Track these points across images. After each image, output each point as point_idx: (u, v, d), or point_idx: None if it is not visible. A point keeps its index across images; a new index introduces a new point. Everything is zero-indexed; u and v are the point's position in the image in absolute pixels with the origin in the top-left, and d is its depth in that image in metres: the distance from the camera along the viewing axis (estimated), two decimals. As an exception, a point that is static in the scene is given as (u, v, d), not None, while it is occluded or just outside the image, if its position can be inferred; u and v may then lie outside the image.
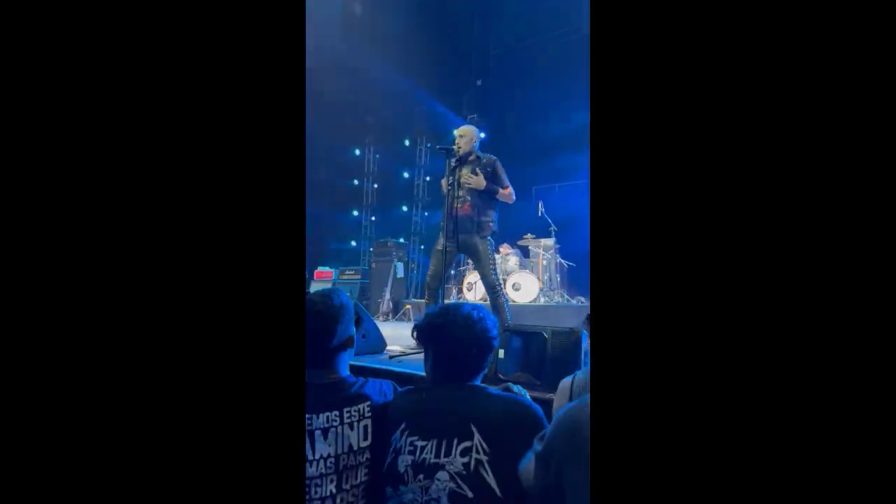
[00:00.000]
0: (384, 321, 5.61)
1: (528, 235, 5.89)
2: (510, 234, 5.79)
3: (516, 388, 1.21)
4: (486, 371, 1.16)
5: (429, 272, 2.79)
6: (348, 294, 1.19)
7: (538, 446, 0.89)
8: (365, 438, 1.06)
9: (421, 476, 0.98)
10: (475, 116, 8.03)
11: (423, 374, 1.18)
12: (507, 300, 2.78)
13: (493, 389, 1.12)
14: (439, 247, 2.72)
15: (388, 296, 6.11)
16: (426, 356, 1.14)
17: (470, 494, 0.94)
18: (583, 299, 5.57)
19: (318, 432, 1.02)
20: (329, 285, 6.21)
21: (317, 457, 1.00)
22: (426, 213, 8.80)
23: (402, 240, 7.71)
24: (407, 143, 9.13)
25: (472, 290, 5.42)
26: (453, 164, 2.74)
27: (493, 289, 2.68)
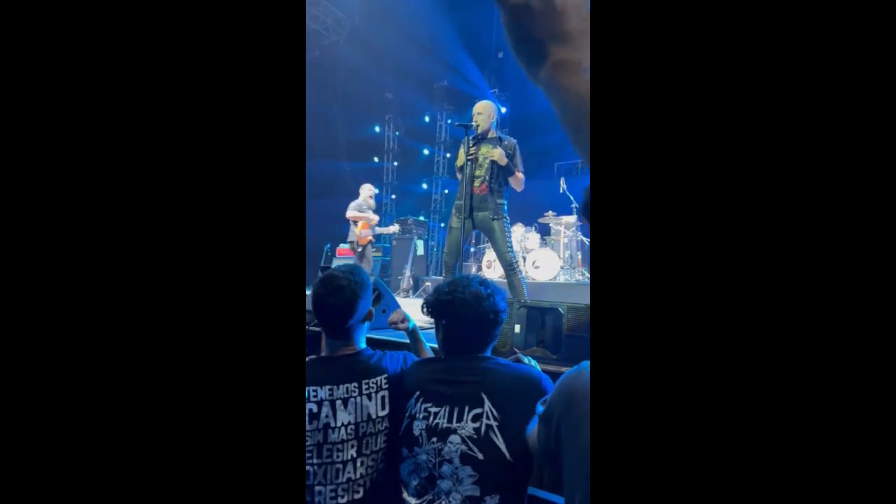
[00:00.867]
0: (404, 297, 5.70)
1: (549, 213, 5.83)
2: (531, 212, 5.75)
3: (526, 360, 1.24)
4: (494, 342, 1.19)
5: (445, 249, 2.82)
6: (369, 271, 1.24)
7: (540, 408, 0.94)
8: (383, 408, 1.12)
9: (434, 439, 1.04)
10: (496, 91, 7.86)
11: (435, 345, 1.23)
12: (523, 278, 2.80)
13: (503, 360, 1.16)
14: (454, 224, 2.74)
15: (408, 272, 6.19)
16: (437, 330, 1.18)
17: (480, 456, 0.99)
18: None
19: (338, 402, 1.08)
20: (350, 263, 6.33)
21: (338, 424, 1.07)
22: (446, 191, 8.77)
23: (422, 217, 7.74)
24: (427, 119, 9.05)
25: (492, 268, 5.44)
26: (472, 141, 2.72)
27: (510, 266, 2.70)
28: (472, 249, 6.05)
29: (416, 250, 6.45)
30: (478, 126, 2.71)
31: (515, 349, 1.70)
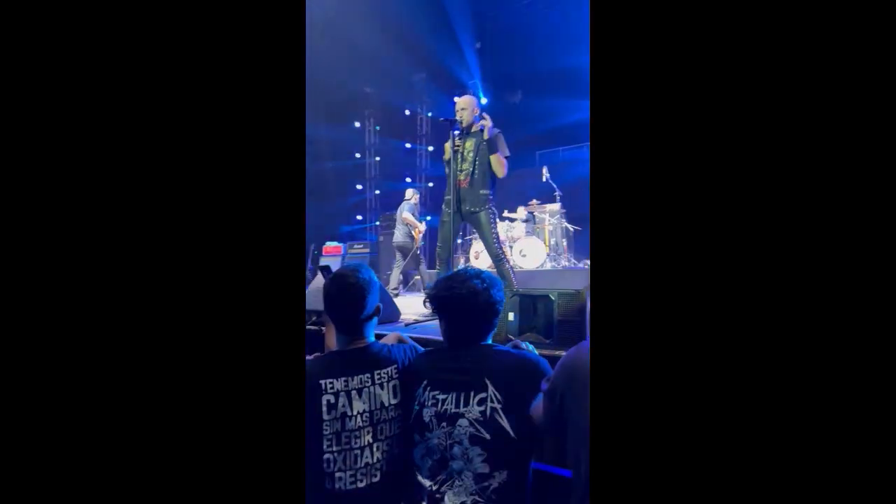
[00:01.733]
0: (394, 293, 5.73)
1: (534, 201, 5.92)
2: (515, 200, 5.82)
3: (524, 344, 1.33)
4: (494, 330, 1.28)
5: (438, 243, 2.90)
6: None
7: (545, 385, 1.05)
8: (395, 397, 1.20)
9: (444, 423, 1.12)
10: (475, 81, 7.87)
11: (437, 338, 1.31)
12: (511, 267, 2.89)
13: (502, 347, 1.26)
14: (445, 218, 2.82)
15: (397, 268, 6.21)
16: (440, 322, 1.26)
17: (488, 436, 1.08)
18: (589, 262, 5.65)
19: (353, 392, 1.15)
20: (338, 260, 6.34)
21: (354, 412, 1.14)
22: (430, 185, 8.79)
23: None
24: (407, 112, 9.02)
25: (479, 259, 5.53)
26: (457, 136, 2.79)
27: (497, 257, 2.79)
28: (460, 241, 6.12)
29: (403, 245, 6.46)
30: (462, 121, 2.78)
31: (510, 336, 1.79)
